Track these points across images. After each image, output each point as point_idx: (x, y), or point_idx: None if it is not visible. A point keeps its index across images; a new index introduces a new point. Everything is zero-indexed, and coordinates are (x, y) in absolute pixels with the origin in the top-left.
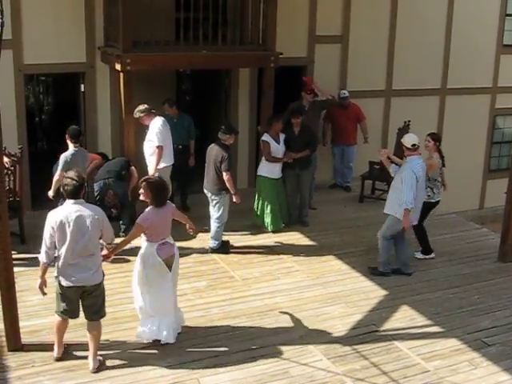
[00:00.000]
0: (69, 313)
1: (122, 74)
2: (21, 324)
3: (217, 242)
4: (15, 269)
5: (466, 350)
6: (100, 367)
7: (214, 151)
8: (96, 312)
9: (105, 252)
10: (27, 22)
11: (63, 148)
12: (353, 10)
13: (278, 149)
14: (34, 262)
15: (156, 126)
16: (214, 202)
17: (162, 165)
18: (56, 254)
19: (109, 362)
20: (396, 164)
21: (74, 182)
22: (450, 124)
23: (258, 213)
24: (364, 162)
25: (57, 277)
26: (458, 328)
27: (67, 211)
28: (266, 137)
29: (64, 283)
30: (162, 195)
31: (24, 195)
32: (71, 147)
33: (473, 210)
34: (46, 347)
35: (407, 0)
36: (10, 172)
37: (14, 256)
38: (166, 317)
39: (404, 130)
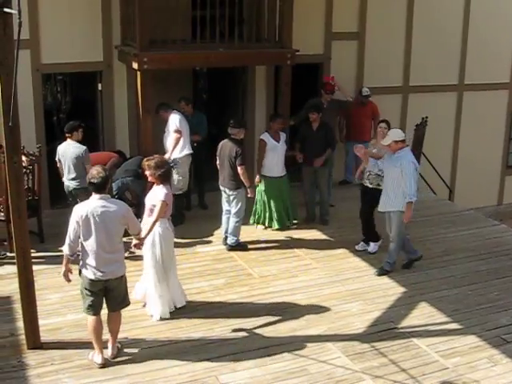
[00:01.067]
0: (94, 308)
1: (139, 73)
2: (40, 322)
3: (235, 239)
4: (34, 267)
5: (485, 346)
6: (118, 354)
7: (227, 147)
8: (121, 302)
9: (135, 242)
10: (44, 22)
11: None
12: (369, 6)
13: (276, 147)
14: (52, 261)
15: (175, 118)
16: (232, 197)
17: (183, 152)
18: (79, 248)
19: (127, 360)
20: (375, 158)
21: (100, 175)
22: (468, 120)
23: (258, 212)
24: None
25: (81, 271)
26: (476, 325)
27: (93, 206)
28: (264, 135)
29: (91, 277)
30: (167, 170)
31: (42, 194)
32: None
33: (491, 206)
34: (65, 345)
35: None
36: (28, 171)
37: (32, 254)
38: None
39: (422, 126)
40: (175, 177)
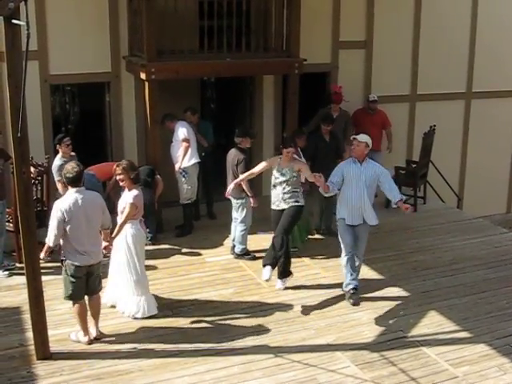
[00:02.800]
0: (79, 293)
1: (146, 83)
2: (49, 333)
3: (242, 247)
4: (43, 278)
5: (495, 355)
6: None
7: (231, 156)
8: (98, 284)
9: (104, 244)
10: (52, 33)
11: (90, 158)
12: (376, 14)
13: None
14: (61, 271)
15: (181, 127)
16: (237, 205)
17: (192, 161)
18: (61, 240)
19: (136, 370)
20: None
21: (75, 170)
22: (476, 128)
23: None
24: (390, 167)
25: (64, 260)
26: (486, 333)
27: (73, 198)
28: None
29: (76, 263)
30: (137, 173)
31: (51, 205)
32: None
33: (500, 215)
34: (74, 355)
35: (431, 4)
36: (37, 182)
37: (41, 265)
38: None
39: (430, 134)
40: (184, 186)
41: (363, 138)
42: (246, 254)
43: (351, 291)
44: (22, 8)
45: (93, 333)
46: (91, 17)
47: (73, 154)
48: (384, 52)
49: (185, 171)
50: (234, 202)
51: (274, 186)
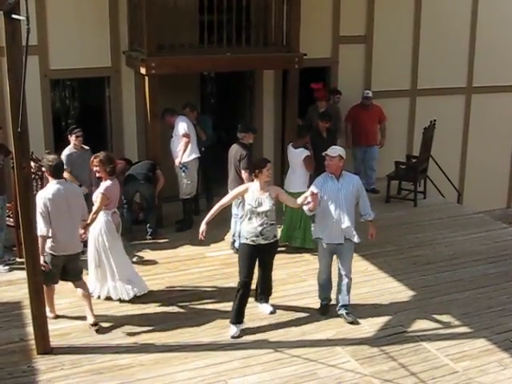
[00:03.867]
0: (54, 279)
1: (146, 78)
2: (50, 327)
3: None
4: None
5: (495, 350)
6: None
7: (233, 151)
8: (79, 273)
9: (81, 231)
10: (52, 28)
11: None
12: (376, 9)
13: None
14: None
15: (181, 121)
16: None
17: (192, 156)
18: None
19: (137, 365)
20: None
21: (56, 161)
22: (476, 123)
23: (287, 232)
24: (390, 162)
25: None
26: (486, 328)
27: (55, 188)
28: (306, 151)
29: (54, 252)
30: (112, 165)
31: None
32: None
33: (500, 209)
34: (74, 350)
35: None
36: (37, 177)
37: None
38: (128, 278)
39: (430, 129)
40: (184, 181)
41: (335, 151)
42: None
43: (344, 313)
44: (22, 3)
45: (90, 320)
46: (91, 11)
47: (86, 147)
48: (384, 47)
49: (185, 166)
50: None
51: (250, 218)
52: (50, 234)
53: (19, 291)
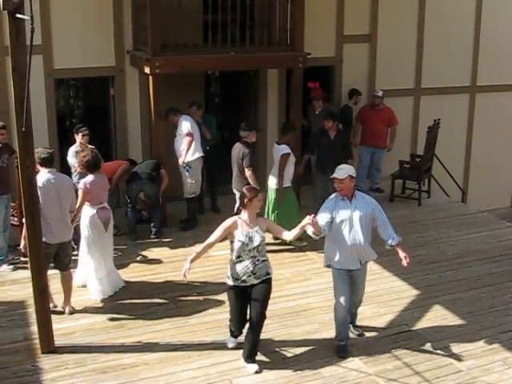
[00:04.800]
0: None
1: (151, 78)
2: (54, 326)
3: None
4: (48, 271)
5: (500, 349)
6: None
7: (236, 149)
8: (69, 262)
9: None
10: (56, 27)
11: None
12: (380, 8)
13: (292, 158)
14: None
15: (185, 121)
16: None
17: (195, 155)
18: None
19: (141, 364)
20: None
21: (48, 151)
22: (480, 121)
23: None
24: (394, 162)
25: None
26: (490, 327)
27: (46, 177)
28: (287, 148)
29: (47, 240)
30: (93, 160)
31: None
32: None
33: (504, 208)
34: (78, 349)
35: None
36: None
37: None
38: (110, 273)
39: (434, 128)
40: (188, 180)
41: (344, 172)
42: None
43: (352, 328)
44: (27, 2)
45: (66, 310)
46: (95, 11)
47: (92, 147)
48: (388, 46)
49: (188, 165)
50: (237, 195)
51: (239, 257)
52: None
53: (23, 290)
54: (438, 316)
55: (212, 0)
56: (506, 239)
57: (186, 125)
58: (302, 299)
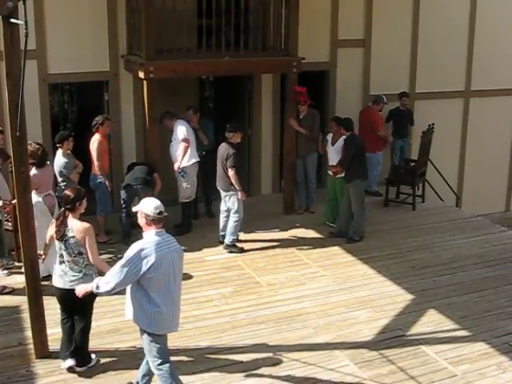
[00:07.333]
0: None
1: (145, 82)
2: (48, 331)
3: (233, 238)
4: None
5: (494, 353)
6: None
7: (221, 149)
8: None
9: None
10: (51, 32)
11: (88, 156)
12: (375, 13)
13: (330, 150)
14: None
15: (181, 126)
16: (227, 197)
17: (191, 161)
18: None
19: (136, 369)
20: None
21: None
22: (475, 126)
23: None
24: (388, 166)
25: None
26: (485, 332)
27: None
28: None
29: None
30: (40, 158)
31: None
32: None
33: (499, 213)
34: None
35: (429, 2)
36: None
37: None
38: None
39: (428, 132)
40: (183, 185)
41: None
42: (233, 246)
43: None
44: (21, 7)
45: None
46: (89, 16)
47: (69, 152)
48: (382, 50)
49: (184, 171)
50: (222, 194)
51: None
52: None
53: (17, 295)
54: (432, 320)
55: (206, 5)
56: (500, 243)
57: (181, 130)
58: (296, 304)
